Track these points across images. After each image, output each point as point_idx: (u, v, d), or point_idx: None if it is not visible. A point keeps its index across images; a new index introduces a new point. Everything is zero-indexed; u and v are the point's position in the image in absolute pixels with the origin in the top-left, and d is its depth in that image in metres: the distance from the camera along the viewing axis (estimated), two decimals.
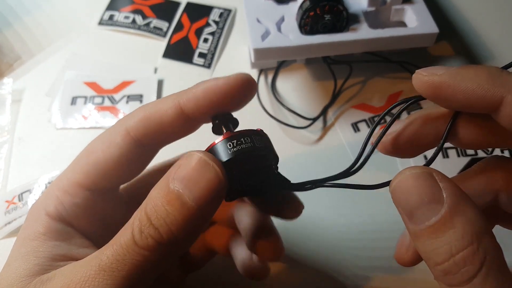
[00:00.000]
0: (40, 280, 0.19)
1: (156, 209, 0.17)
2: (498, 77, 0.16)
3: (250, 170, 0.20)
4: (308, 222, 0.33)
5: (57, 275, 0.19)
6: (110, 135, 0.22)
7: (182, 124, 0.21)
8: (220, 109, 0.21)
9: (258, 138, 0.20)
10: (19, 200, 0.35)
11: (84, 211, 0.22)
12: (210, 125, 0.22)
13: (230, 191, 0.19)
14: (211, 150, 0.19)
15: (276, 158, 0.21)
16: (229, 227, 0.27)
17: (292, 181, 0.21)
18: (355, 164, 0.20)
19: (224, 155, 0.19)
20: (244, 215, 0.25)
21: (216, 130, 0.21)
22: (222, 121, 0.21)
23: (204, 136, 0.24)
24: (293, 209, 0.25)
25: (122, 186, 0.25)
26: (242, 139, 0.19)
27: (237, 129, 0.21)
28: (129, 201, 0.25)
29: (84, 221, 0.22)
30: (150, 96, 0.42)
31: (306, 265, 0.32)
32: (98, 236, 0.23)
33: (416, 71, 0.19)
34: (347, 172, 0.20)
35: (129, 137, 0.21)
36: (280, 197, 0.25)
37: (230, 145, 0.19)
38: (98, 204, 0.23)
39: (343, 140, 0.38)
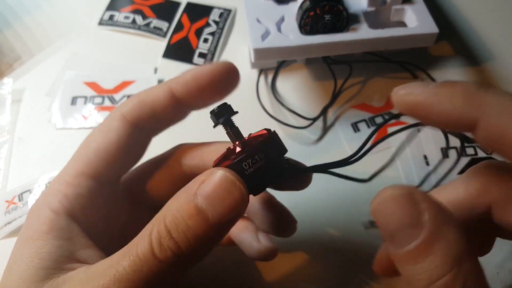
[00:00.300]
0: (50, 287, 0.18)
1: (176, 222, 0.17)
2: (473, 98, 0.16)
3: (268, 176, 0.20)
4: (310, 218, 0.33)
5: (67, 281, 0.19)
6: (107, 122, 0.23)
7: (173, 107, 0.23)
8: (207, 94, 0.23)
9: (270, 148, 0.20)
10: (19, 200, 0.35)
11: (88, 201, 0.22)
12: (200, 115, 0.23)
13: (252, 189, 0.20)
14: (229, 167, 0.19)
15: (286, 151, 0.21)
16: None
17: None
18: (355, 155, 0.21)
19: (242, 175, 0.19)
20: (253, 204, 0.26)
21: (217, 124, 0.21)
22: (227, 123, 0.21)
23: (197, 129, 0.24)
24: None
25: (121, 179, 0.25)
26: (256, 156, 0.19)
27: (240, 129, 0.21)
28: (128, 196, 0.25)
29: (88, 213, 0.22)
30: None
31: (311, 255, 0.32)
32: (100, 232, 0.23)
33: (394, 88, 0.19)
34: (346, 161, 0.21)
35: (125, 120, 0.22)
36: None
37: (246, 166, 0.19)
38: (101, 196, 0.23)
39: (343, 140, 0.38)
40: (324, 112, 0.40)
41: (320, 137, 0.39)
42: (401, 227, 0.16)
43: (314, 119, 0.39)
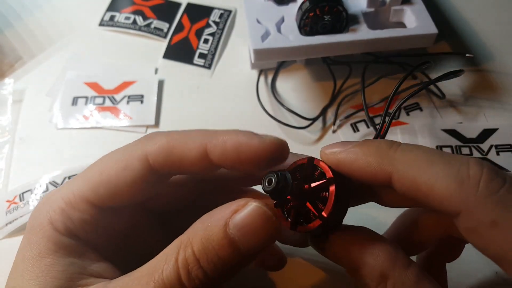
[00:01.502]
0: None
1: (206, 251, 0.17)
2: (385, 155, 0.18)
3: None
4: None
5: None
6: (127, 157, 0.21)
7: (203, 166, 0.20)
8: (246, 166, 0.20)
9: (343, 196, 0.20)
10: (20, 200, 0.35)
11: (93, 226, 0.21)
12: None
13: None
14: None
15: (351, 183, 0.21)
16: None
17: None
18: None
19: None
20: None
21: (281, 204, 0.20)
22: (294, 194, 0.20)
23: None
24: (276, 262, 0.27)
25: None
26: (337, 212, 0.19)
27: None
28: (135, 209, 0.24)
29: (94, 236, 0.21)
30: (151, 97, 0.42)
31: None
32: (104, 246, 0.22)
33: (322, 147, 0.20)
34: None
35: (147, 164, 0.20)
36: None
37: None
38: (107, 219, 0.22)
39: (343, 140, 0.39)
40: (323, 113, 0.40)
41: (320, 137, 0.39)
42: (335, 261, 0.20)
43: (314, 119, 0.39)
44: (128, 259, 0.22)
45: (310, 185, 0.20)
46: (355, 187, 0.21)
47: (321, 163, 0.20)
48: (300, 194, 0.20)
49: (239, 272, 0.19)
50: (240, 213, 0.18)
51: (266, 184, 0.19)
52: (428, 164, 0.17)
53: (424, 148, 0.18)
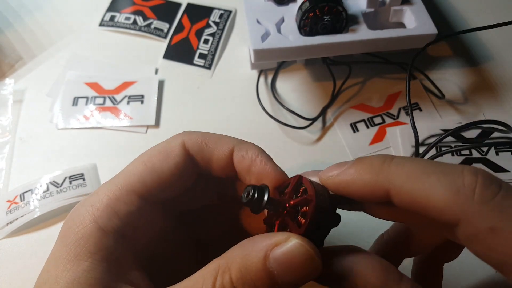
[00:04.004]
0: None
1: (244, 280, 0.17)
2: (379, 172, 0.18)
3: (324, 231, 0.20)
4: None
5: None
6: (168, 146, 0.22)
7: (228, 166, 0.22)
8: (252, 179, 0.22)
9: (323, 203, 0.19)
10: (21, 200, 0.35)
11: (138, 220, 0.21)
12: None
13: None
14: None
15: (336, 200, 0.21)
16: None
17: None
18: None
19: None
20: None
21: (260, 211, 0.20)
22: (269, 205, 0.20)
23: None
24: None
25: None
26: (316, 229, 0.19)
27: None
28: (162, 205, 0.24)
29: (136, 231, 0.21)
30: (151, 97, 0.42)
31: None
32: (142, 249, 0.22)
33: (320, 172, 0.21)
34: None
35: (186, 150, 0.22)
36: None
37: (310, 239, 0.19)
38: (151, 216, 0.22)
39: (342, 140, 0.39)
40: (323, 113, 0.40)
41: (320, 137, 0.39)
42: (322, 283, 0.19)
43: (314, 119, 0.39)
44: (157, 266, 0.22)
45: (290, 202, 0.20)
46: (346, 201, 0.21)
47: (304, 180, 0.20)
48: (282, 209, 0.20)
49: None
50: (282, 247, 0.17)
51: (245, 195, 0.19)
52: (423, 176, 0.17)
53: (417, 160, 0.18)
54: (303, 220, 0.19)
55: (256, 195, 0.19)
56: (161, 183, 0.21)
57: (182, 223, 0.25)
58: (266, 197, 0.19)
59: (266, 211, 0.22)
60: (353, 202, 0.20)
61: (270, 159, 0.22)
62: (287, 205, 0.20)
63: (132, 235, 0.21)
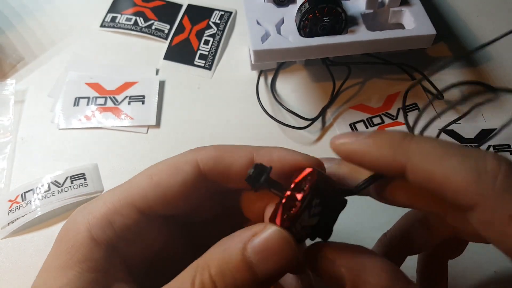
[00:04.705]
0: None
1: (223, 274, 0.17)
2: (399, 147, 0.18)
3: (326, 220, 0.20)
4: None
5: None
6: (178, 162, 0.21)
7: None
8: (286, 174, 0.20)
9: (323, 190, 0.19)
10: (22, 200, 0.36)
11: (134, 235, 0.20)
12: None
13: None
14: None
15: (337, 185, 0.21)
16: None
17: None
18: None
19: (301, 227, 0.19)
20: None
21: (258, 188, 0.20)
22: (268, 183, 0.20)
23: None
24: None
25: None
26: (306, 218, 0.19)
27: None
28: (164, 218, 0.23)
29: (130, 245, 0.21)
30: (152, 97, 0.42)
31: None
32: (137, 262, 0.21)
33: (332, 137, 0.20)
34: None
35: (198, 168, 0.21)
36: None
37: (305, 218, 0.19)
38: (148, 232, 0.21)
39: None
40: (323, 113, 0.40)
41: (319, 138, 0.39)
42: (329, 280, 0.19)
43: (313, 120, 0.40)
44: (155, 280, 0.21)
45: (292, 183, 0.20)
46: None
47: (312, 172, 0.20)
48: (280, 189, 0.20)
49: None
50: (259, 236, 0.17)
51: (246, 176, 0.19)
52: (444, 156, 0.17)
53: (439, 141, 0.18)
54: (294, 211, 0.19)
55: (254, 173, 0.19)
56: (165, 200, 0.20)
57: (182, 235, 0.25)
58: (264, 177, 0.19)
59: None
60: (360, 189, 0.20)
61: (297, 152, 0.21)
62: (285, 196, 0.19)
63: (126, 248, 0.20)
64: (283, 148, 0.21)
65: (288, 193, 0.19)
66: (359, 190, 0.20)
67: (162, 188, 0.20)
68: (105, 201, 0.20)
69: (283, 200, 0.19)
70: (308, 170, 0.20)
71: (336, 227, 0.20)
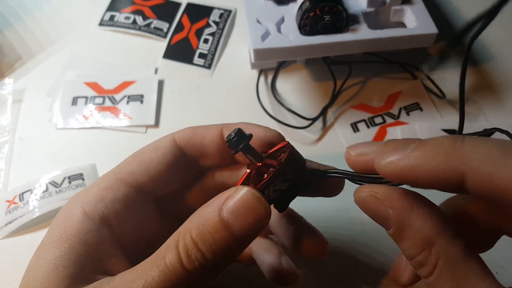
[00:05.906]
0: None
1: (203, 235, 0.18)
2: (453, 154, 0.16)
3: (294, 191, 0.21)
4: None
5: None
6: (158, 141, 0.24)
7: (221, 146, 0.24)
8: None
9: (295, 162, 0.21)
10: (20, 200, 0.35)
11: (124, 207, 0.22)
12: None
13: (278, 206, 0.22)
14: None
15: (305, 161, 0.22)
16: None
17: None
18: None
19: (270, 194, 0.21)
20: (280, 220, 0.26)
21: (236, 151, 0.21)
22: (246, 149, 0.21)
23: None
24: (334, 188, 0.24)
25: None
26: (278, 183, 0.20)
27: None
28: (160, 206, 0.25)
29: (122, 219, 0.22)
30: (151, 96, 0.42)
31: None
32: (130, 241, 0.23)
33: (375, 159, 0.18)
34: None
35: (175, 142, 0.24)
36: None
37: (274, 186, 0.20)
38: (137, 204, 0.23)
39: (343, 140, 0.39)
40: (323, 112, 0.40)
41: (320, 137, 0.39)
42: (376, 220, 0.19)
43: (314, 119, 0.39)
44: (146, 255, 0.22)
45: (267, 152, 0.22)
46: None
47: (288, 146, 0.22)
48: (257, 163, 0.21)
49: (236, 257, 0.20)
50: (233, 198, 0.19)
51: (227, 138, 0.21)
52: (503, 157, 0.15)
53: (492, 140, 0.16)
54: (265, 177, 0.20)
55: (235, 137, 0.21)
56: (149, 173, 0.23)
57: (176, 223, 0.25)
58: (243, 143, 0.21)
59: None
60: (327, 174, 0.21)
61: (260, 125, 0.23)
62: (260, 162, 0.21)
63: (117, 222, 0.22)
64: (248, 123, 0.24)
65: (264, 160, 0.21)
66: (326, 175, 0.22)
67: (145, 164, 0.23)
68: (97, 182, 0.23)
69: (259, 164, 0.21)
70: (284, 143, 0.22)
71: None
